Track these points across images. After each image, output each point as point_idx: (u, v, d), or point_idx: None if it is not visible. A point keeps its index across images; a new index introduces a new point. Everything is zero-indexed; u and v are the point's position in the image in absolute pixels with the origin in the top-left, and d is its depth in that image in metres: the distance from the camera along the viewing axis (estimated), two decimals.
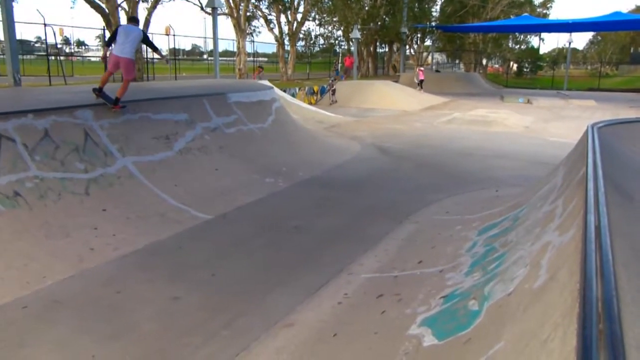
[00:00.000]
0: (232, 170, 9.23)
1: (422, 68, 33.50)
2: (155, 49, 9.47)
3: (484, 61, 55.22)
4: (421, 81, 29.47)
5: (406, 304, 4.39)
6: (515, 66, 53.91)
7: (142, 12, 32.59)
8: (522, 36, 53.63)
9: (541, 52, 56.20)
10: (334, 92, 24.47)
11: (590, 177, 3.58)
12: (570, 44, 44.17)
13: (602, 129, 6.23)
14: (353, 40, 33.03)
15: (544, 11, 53.32)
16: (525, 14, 44.25)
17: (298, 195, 8.69)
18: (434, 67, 49.16)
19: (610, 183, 3.79)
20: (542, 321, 2.50)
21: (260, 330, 4.27)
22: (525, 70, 52.94)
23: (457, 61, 55.97)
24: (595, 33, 56.31)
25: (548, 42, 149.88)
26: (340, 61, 34.99)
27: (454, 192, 8.88)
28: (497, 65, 59.18)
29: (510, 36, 52.62)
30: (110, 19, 17.83)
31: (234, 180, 8.85)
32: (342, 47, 40.49)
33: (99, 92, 8.27)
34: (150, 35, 9.59)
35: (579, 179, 4.17)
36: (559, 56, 54.49)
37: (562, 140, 12.90)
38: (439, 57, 59.56)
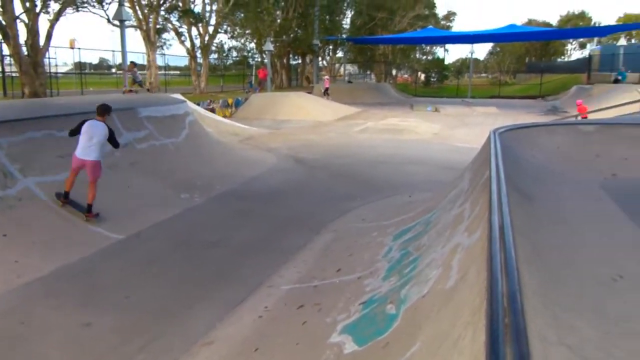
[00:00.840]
0: (145, 186, 8.92)
1: (327, 77, 35.05)
2: (116, 146, 7.78)
3: (394, 72, 57.08)
4: (326, 89, 30.81)
5: (326, 312, 4.42)
6: (423, 76, 56.11)
7: (44, 24, 30.98)
8: (428, 47, 55.96)
9: (446, 62, 58.75)
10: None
11: (494, 180, 3.77)
12: (472, 54, 46.64)
13: (503, 134, 6.58)
14: (266, 52, 33.07)
15: (448, 24, 56.11)
16: (430, 26, 46.28)
17: (214, 209, 8.55)
18: (346, 78, 50.20)
19: (511, 185, 4.02)
20: (454, 321, 2.60)
21: (179, 352, 4.14)
22: (432, 79, 55.18)
23: (368, 72, 57.47)
24: (494, 44, 59.77)
25: (452, 53, 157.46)
26: (253, 73, 34.89)
27: (369, 200, 9.07)
28: (406, 76, 61.31)
29: (418, 47, 54.74)
30: (7, 32, 16.74)
31: (147, 197, 8.56)
32: (256, 59, 40.44)
33: (64, 198, 7.30)
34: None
35: (483, 182, 4.39)
36: (463, 66, 57.29)
37: (468, 145, 13.53)
38: (351, 68, 60.85)
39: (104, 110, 7.44)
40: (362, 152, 14.29)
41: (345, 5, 45.49)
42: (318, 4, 37.79)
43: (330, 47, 47.07)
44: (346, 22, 48.83)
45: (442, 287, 3.32)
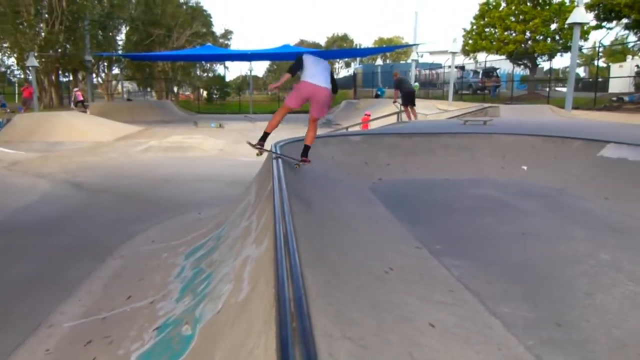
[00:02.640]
0: None
1: (77, 90, 33.54)
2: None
3: (175, 89, 56.10)
4: (80, 101, 29.46)
5: (118, 344, 4.15)
6: (205, 93, 56.17)
7: None
8: (208, 65, 56.21)
9: (227, 79, 59.74)
10: None
11: (276, 191, 3.94)
12: (251, 72, 48.10)
13: (284, 147, 6.94)
14: (30, 68, 29.95)
15: (226, 42, 56.98)
16: (209, 44, 46.55)
17: None
18: (125, 95, 47.82)
19: (293, 194, 4.24)
20: (248, 331, 2.65)
21: None
22: (214, 96, 55.55)
23: (149, 89, 55.57)
24: (271, 62, 62.48)
25: (232, 70, 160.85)
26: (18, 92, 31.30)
27: (158, 220, 8.75)
28: (188, 93, 60.73)
29: (198, 65, 54.64)
30: None
31: None
32: (18, 76, 36.32)
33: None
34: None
35: (268, 193, 4.56)
36: (243, 83, 58.71)
37: (252, 159, 13.84)
38: (130, 85, 58.26)
39: None
40: (147, 172, 13.73)
41: (120, 20, 43.45)
42: (88, 17, 35.44)
43: (105, 63, 44.50)
44: (121, 38, 46.70)
45: (235, 300, 3.35)
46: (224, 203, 8.69)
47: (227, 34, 58.08)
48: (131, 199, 10.57)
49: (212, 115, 37.19)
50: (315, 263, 3.12)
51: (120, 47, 45.25)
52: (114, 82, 49.45)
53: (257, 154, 7.00)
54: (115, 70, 49.05)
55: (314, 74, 6.40)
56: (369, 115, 22.78)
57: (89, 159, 16.26)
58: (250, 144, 6.82)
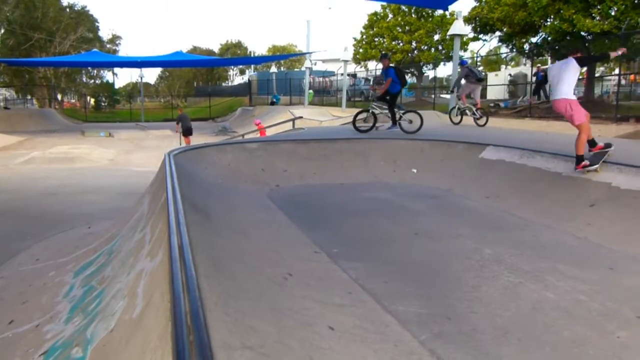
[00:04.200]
0: None
1: None
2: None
3: (59, 96, 52.86)
4: None
5: None
6: (92, 101, 53.41)
7: None
8: (95, 71, 53.58)
9: (117, 86, 57.24)
10: None
11: (170, 201, 3.83)
12: (142, 78, 46.45)
13: (178, 156, 6.76)
14: None
15: (114, 47, 54.61)
16: (95, 49, 44.32)
17: None
18: (1, 103, 44.26)
19: (188, 203, 4.15)
20: (144, 348, 2.55)
21: None
22: (103, 104, 53.03)
23: (28, 97, 51.88)
24: (163, 69, 60.74)
25: (122, 77, 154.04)
26: None
27: (42, 237, 8.18)
28: (73, 100, 57.49)
29: (84, 71, 51.92)
30: None
31: None
32: None
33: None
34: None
35: (162, 204, 4.42)
36: (134, 90, 56.57)
37: (146, 169, 13.42)
38: (7, 92, 54.15)
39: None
40: (28, 185, 12.80)
41: None
42: None
43: None
44: None
45: (130, 317, 3.22)
46: (115, 215, 8.30)
47: (115, 39, 55.73)
48: (12, 214, 9.79)
49: (101, 124, 35.54)
50: (213, 273, 3.07)
51: None
52: None
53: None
54: None
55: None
56: (259, 124, 22.95)
57: None
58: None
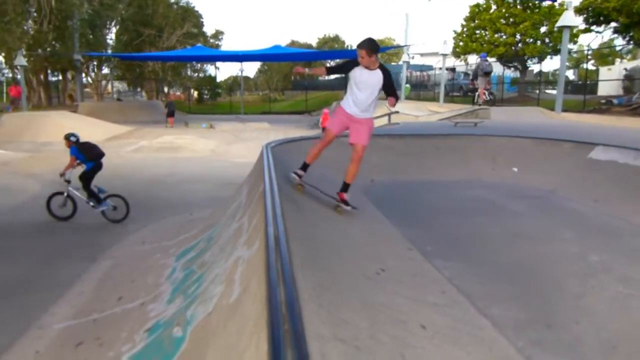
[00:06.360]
0: None
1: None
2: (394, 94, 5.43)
3: (166, 89, 55.83)
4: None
5: (109, 346, 4.13)
6: (196, 93, 55.86)
7: None
8: (199, 65, 55.97)
9: (218, 79, 59.45)
10: None
11: (267, 192, 3.93)
12: (242, 72, 47.97)
13: (275, 148, 6.93)
14: (18, 67, 29.70)
15: (217, 42, 56.72)
16: (199, 44, 46.32)
17: None
18: (115, 95, 47.50)
19: (284, 195, 4.23)
20: (240, 333, 2.64)
21: None
22: (205, 97, 55.30)
23: (139, 89, 55.29)
24: (262, 63, 62.33)
25: (223, 71, 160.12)
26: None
27: (149, 221, 8.73)
28: (178, 93, 60.48)
29: (188, 65, 54.42)
30: None
31: None
32: (6, 75, 35.95)
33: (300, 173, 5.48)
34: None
35: (259, 195, 4.55)
36: (234, 83, 58.48)
37: (244, 160, 13.86)
38: (120, 85, 57.86)
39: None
40: (137, 172, 13.68)
41: (110, 20, 43.12)
42: (77, 16, 35.12)
43: (95, 62, 44.18)
44: (111, 38, 46.36)
45: (227, 302, 3.34)
46: (215, 204, 8.68)
47: (218, 34, 57.82)
48: None
49: (203, 116, 37.08)
50: (307, 264, 3.12)
51: (110, 47, 44.89)
52: (103, 82, 49.13)
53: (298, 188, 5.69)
54: (105, 70, 48.75)
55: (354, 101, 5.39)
56: (327, 114, 23.46)
57: None
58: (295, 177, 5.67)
